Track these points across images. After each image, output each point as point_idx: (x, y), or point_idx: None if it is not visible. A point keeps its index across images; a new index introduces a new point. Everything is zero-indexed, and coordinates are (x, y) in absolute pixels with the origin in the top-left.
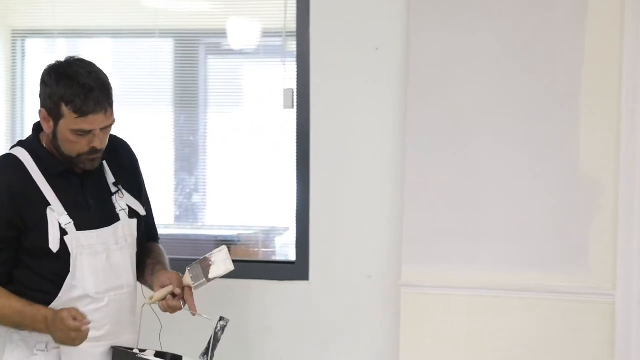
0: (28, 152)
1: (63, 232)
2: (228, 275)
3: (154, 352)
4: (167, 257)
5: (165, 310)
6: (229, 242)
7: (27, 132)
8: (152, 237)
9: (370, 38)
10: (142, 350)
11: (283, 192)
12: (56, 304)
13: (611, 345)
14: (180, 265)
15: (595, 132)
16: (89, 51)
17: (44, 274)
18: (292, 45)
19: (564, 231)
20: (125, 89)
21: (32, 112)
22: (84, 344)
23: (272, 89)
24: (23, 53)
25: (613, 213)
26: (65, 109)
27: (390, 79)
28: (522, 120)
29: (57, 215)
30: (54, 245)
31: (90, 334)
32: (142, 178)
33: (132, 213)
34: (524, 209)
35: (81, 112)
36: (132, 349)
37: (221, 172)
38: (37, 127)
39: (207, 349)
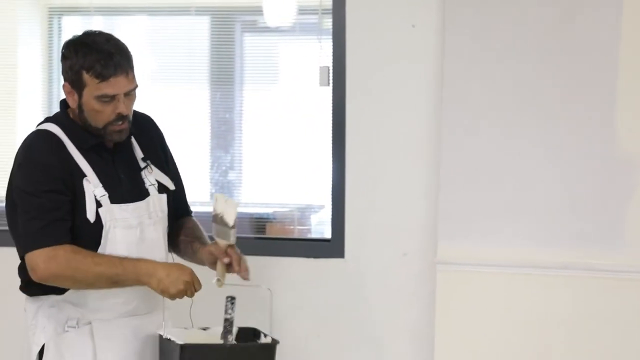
0: (59, 127)
1: (98, 205)
2: (264, 253)
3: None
4: (202, 230)
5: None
6: (264, 220)
7: None
8: (185, 211)
9: (406, 15)
10: None
11: (319, 169)
12: None
13: None
14: None
15: (632, 111)
16: (125, 29)
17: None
18: (328, 23)
19: (600, 209)
20: (161, 66)
21: None
22: (115, 319)
23: (308, 66)
24: (59, 31)
25: None
26: (87, 77)
27: (426, 56)
28: (560, 97)
29: (92, 187)
30: (90, 215)
31: (121, 309)
32: (170, 152)
33: (162, 188)
34: (561, 187)
35: (102, 77)
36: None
37: (257, 149)
38: (64, 103)
39: (225, 331)
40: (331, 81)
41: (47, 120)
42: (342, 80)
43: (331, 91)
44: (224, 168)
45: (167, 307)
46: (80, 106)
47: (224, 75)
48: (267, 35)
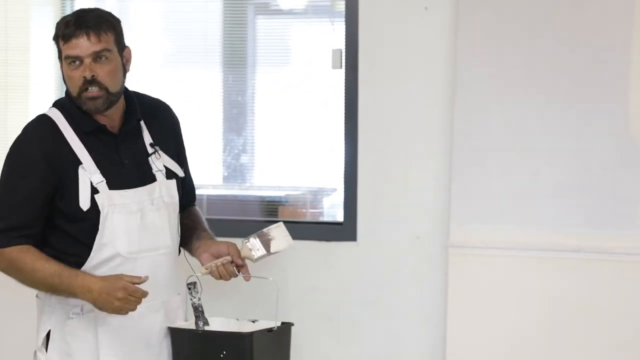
0: (61, 111)
1: (94, 191)
2: None
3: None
4: (204, 219)
5: (218, 277)
6: (276, 203)
7: None
8: (190, 201)
9: None
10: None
11: (331, 152)
12: (88, 265)
13: None
14: (229, 227)
15: None
16: (139, 11)
17: (78, 237)
18: (341, 5)
19: (613, 192)
20: (174, 49)
21: None
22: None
23: (321, 49)
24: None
25: None
26: (59, 41)
27: (439, 39)
28: (572, 81)
29: (88, 174)
30: (84, 203)
31: None
32: (183, 142)
33: (170, 175)
34: (573, 170)
35: (65, 37)
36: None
37: (269, 132)
38: None
39: (196, 317)
40: (344, 64)
41: (54, 104)
42: (355, 63)
43: (344, 74)
44: (236, 151)
45: (178, 293)
46: (63, 78)
47: (236, 57)
48: (279, 17)
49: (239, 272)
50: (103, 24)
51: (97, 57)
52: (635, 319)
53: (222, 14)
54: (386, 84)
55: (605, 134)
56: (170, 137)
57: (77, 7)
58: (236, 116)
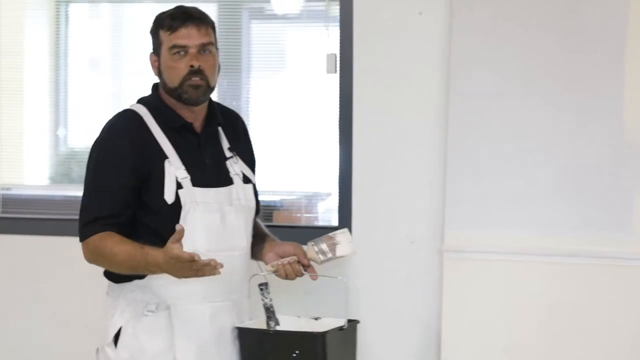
0: (147, 108)
1: (179, 186)
2: None
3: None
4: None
5: (284, 275)
6: (271, 207)
7: (71, 98)
8: (257, 209)
9: (413, 2)
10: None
11: (326, 157)
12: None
13: None
14: None
15: None
16: (133, 16)
17: (160, 231)
18: (335, 10)
19: (608, 196)
20: None
21: (75, 78)
22: (194, 305)
23: (315, 53)
24: (67, 18)
25: None
26: (161, 33)
27: (433, 44)
28: (567, 84)
29: (174, 169)
30: (169, 197)
31: (201, 295)
32: (253, 152)
33: (246, 180)
34: (568, 174)
35: (172, 28)
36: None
37: (264, 137)
38: (155, 86)
39: (267, 317)
40: (338, 68)
41: (138, 102)
42: (350, 68)
43: (338, 78)
44: None
45: (247, 295)
46: (160, 70)
47: (231, 62)
48: (274, 22)
49: (304, 271)
50: (208, 19)
51: (202, 49)
52: (631, 323)
53: (216, 19)
54: (381, 89)
55: (600, 138)
56: (244, 146)
57: (71, 12)
58: None
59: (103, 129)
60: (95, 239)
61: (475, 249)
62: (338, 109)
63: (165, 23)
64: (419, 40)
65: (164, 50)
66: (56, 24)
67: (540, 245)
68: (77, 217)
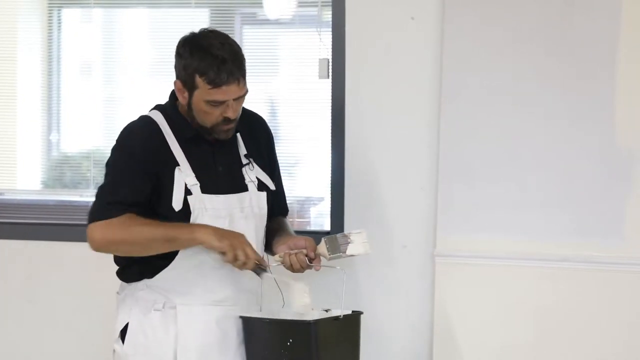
0: (163, 115)
1: (188, 193)
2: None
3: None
4: (291, 228)
5: (289, 265)
6: None
7: (63, 103)
8: (282, 212)
9: (405, 7)
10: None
11: (318, 162)
12: (173, 265)
13: None
14: None
15: (631, 104)
16: (125, 21)
17: None
18: (328, 15)
19: (599, 201)
20: (161, 59)
21: (67, 83)
22: (201, 307)
23: (308, 59)
24: (59, 23)
25: None
26: (199, 80)
27: (425, 49)
28: (558, 90)
29: (184, 176)
30: (176, 203)
31: (210, 297)
32: (276, 156)
33: (261, 187)
34: (560, 179)
35: (214, 84)
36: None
37: None
38: (174, 95)
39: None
40: (330, 74)
41: (156, 107)
42: (342, 73)
43: (330, 84)
44: None
45: (257, 302)
46: (190, 104)
47: None
48: (266, 27)
49: (310, 262)
50: (243, 65)
51: (238, 98)
52: (622, 328)
53: (209, 24)
54: (373, 94)
55: (592, 143)
56: (264, 151)
57: (64, 17)
58: None
59: (120, 134)
60: (117, 219)
61: (467, 253)
62: (330, 114)
63: (207, 75)
64: (411, 45)
65: (198, 95)
66: (48, 29)
67: (532, 250)
68: (69, 221)
